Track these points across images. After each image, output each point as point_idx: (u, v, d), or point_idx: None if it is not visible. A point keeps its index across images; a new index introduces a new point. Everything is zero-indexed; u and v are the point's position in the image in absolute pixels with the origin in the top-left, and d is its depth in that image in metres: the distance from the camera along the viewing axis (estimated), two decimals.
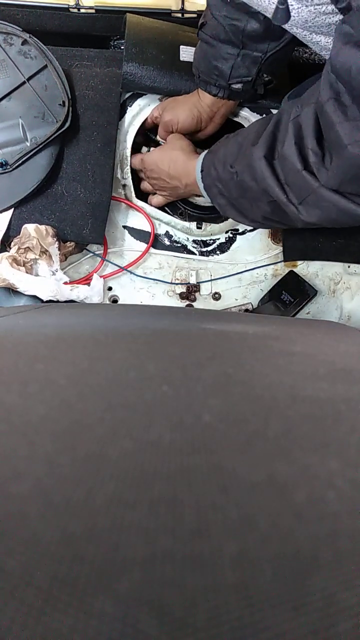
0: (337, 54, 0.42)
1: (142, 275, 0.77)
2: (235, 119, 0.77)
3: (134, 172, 0.78)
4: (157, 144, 0.79)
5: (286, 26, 0.55)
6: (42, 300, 0.69)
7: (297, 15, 0.50)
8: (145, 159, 0.74)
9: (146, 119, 0.77)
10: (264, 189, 0.56)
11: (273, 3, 0.50)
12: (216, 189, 0.64)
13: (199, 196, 0.79)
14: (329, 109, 0.45)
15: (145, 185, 0.78)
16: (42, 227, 0.69)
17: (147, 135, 0.80)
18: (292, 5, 0.48)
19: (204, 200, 0.79)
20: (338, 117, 0.44)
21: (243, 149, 0.58)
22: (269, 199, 0.56)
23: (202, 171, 0.66)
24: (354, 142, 0.43)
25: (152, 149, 0.78)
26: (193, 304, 0.78)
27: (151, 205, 0.78)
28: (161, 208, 0.80)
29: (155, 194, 0.78)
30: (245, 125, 0.78)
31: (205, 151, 0.67)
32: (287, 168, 0.52)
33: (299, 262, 0.79)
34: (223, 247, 0.80)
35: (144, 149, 0.78)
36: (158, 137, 0.78)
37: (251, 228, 0.79)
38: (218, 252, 0.79)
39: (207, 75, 0.66)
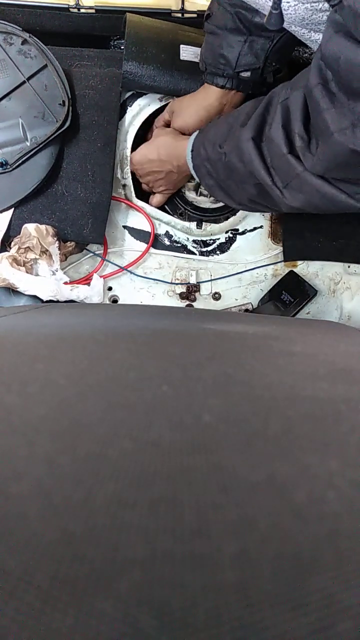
0: (328, 41, 0.42)
1: (142, 275, 0.77)
2: None
3: (134, 172, 0.78)
4: None
5: (285, 25, 0.55)
6: (42, 300, 0.69)
7: (293, 13, 0.50)
8: (133, 158, 0.74)
9: (153, 123, 0.77)
10: (250, 171, 0.55)
11: (269, 2, 0.50)
12: (205, 169, 0.64)
13: (200, 195, 0.79)
14: (317, 95, 0.44)
15: (143, 186, 0.78)
16: (42, 227, 0.69)
17: None
18: (288, 2, 0.48)
19: (204, 200, 0.79)
20: (325, 103, 0.44)
21: (233, 129, 0.58)
22: (255, 182, 0.56)
23: (192, 151, 0.66)
24: (340, 129, 0.43)
25: None
26: (193, 304, 0.78)
27: (151, 205, 0.78)
28: (161, 208, 0.80)
29: (153, 193, 0.78)
30: None
31: (197, 131, 0.66)
32: (273, 151, 0.52)
33: (299, 262, 0.79)
34: (223, 247, 0.80)
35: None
36: None
37: (251, 228, 0.79)
38: (218, 252, 0.79)
39: (214, 66, 0.66)
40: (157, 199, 0.77)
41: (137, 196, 0.78)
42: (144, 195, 0.80)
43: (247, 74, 0.65)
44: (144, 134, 0.79)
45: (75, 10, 0.77)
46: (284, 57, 0.66)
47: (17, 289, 0.67)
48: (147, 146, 0.73)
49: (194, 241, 0.79)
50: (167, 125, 0.76)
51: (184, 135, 0.70)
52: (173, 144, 0.69)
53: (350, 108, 0.42)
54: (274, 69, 0.66)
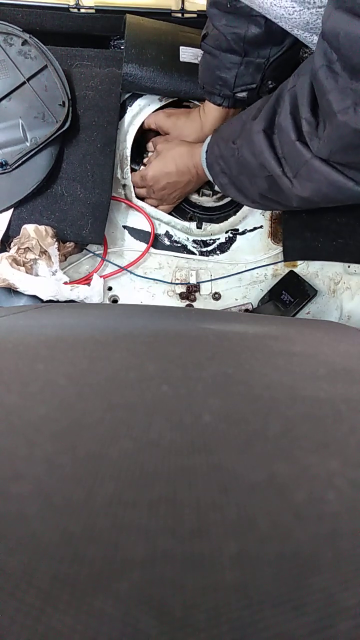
0: (327, 18, 0.41)
1: (142, 275, 0.77)
2: None
3: (134, 172, 0.78)
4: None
5: (287, 28, 0.55)
6: (42, 300, 0.69)
7: (298, 17, 0.50)
8: (147, 174, 0.74)
9: (142, 124, 0.77)
10: (261, 162, 0.56)
11: (274, 5, 0.49)
12: (218, 167, 0.64)
13: (202, 195, 0.79)
14: (321, 76, 0.44)
15: (151, 201, 0.78)
16: (42, 228, 0.69)
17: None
18: (294, 7, 0.48)
19: (207, 200, 0.79)
20: (330, 84, 0.44)
21: (245, 124, 0.58)
22: (266, 174, 0.56)
23: (206, 151, 0.66)
24: (343, 109, 0.43)
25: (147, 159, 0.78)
26: (193, 304, 0.78)
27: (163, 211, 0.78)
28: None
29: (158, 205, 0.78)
30: None
31: (211, 134, 0.67)
32: (283, 139, 0.52)
33: (299, 262, 0.79)
34: (223, 247, 0.80)
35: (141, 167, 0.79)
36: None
37: (251, 228, 0.79)
38: (218, 252, 0.79)
39: (211, 86, 0.66)
40: (165, 208, 0.78)
41: (137, 196, 0.78)
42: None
43: (243, 94, 0.66)
44: (143, 134, 0.79)
45: (75, 10, 0.77)
46: (281, 76, 0.67)
47: (17, 289, 0.67)
48: (162, 160, 0.72)
49: (194, 241, 0.79)
50: (153, 129, 0.76)
51: (195, 144, 0.71)
52: (189, 152, 0.70)
53: (353, 87, 0.42)
54: (269, 89, 0.67)
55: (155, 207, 0.78)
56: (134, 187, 0.78)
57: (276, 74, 0.65)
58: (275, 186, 0.57)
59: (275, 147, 0.54)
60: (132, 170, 0.78)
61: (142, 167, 0.78)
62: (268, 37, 0.60)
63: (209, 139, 0.67)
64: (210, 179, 0.68)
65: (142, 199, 0.79)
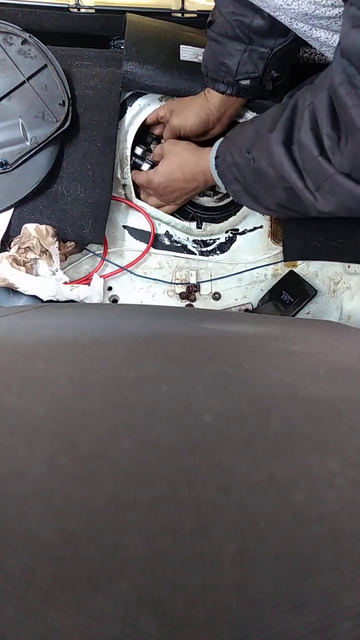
0: (346, 36, 0.42)
1: (142, 275, 0.77)
2: (236, 119, 0.77)
3: (138, 171, 0.78)
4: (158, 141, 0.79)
5: (287, 21, 0.55)
6: (42, 300, 0.69)
7: (297, 8, 0.50)
8: (153, 179, 0.73)
9: (146, 119, 0.77)
10: (280, 175, 0.55)
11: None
12: (231, 175, 0.64)
13: (203, 195, 0.79)
14: (342, 93, 0.44)
15: (154, 202, 0.77)
16: (42, 227, 0.69)
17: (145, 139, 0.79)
18: None
19: (207, 200, 0.79)
20: (352, 100, 0.44)
21: (260, 134, 0.58)
22: (285, 186, 0.56)
23: (216, 157, 0.65)
24: None
25: (149, 160, 0.78)
26: (193, 303, 0.78)
27: (165, 212, 0.78)
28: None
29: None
30: None
31: (221, 139, 0.67)
32: (305, 155, 0.52)
33: (299, 262, 0.79)
34: (223, 247, 0.80)
35: (145, 165, 0.78)
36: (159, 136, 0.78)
37: (251, 228, 0.79)
38: (218, 252, 0.79)
39: (215, 72, 0.66)
40: (170, 207, 0.77)
41: (137, 196, 0.78)
42: None
43: (246, 82, 0.66)
44: (143, 134, 0.79)
45: (75, 10, 0.77)
46: (284, 67, 0.67)
47: (17, 289, 0.67)
48: (168, 165, 0.72)
49: (194, 241, 0.79)
50: (160, 122, 0.75)
51: (201, 148, 0.70)
52: (195, 160, 0.69)
53: None
54: (273, 78, 0.67)
55: (158, 208, 0.78)
56: (134, 186, 0.77)
57: (280, 65, 0.65)
58: (294, 197, 0.57)
59: (296, 159, 0.53)
60: (133, 167, 0.78)
61: (144, 164, 0.78)
62: (272, 29, 0.60)
63: (217, 145, 0.66)
64: (221, 185, 0.68)
65: (145, 199, 0.78)
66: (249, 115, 0.76)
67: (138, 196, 0.78)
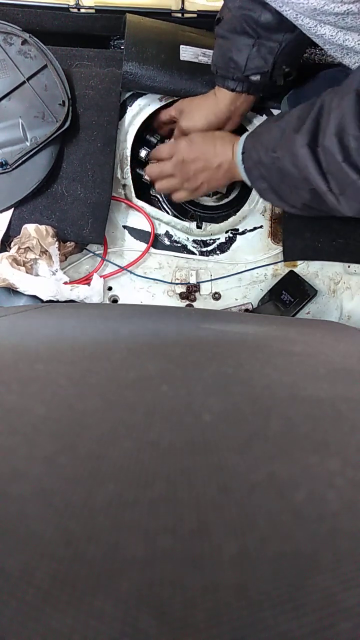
0: None
1: (142, 275, 0.77)
2: (247, 128, 0.77)
3: (134, 172, 0.78)
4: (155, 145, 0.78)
5: (292, 17, 0.55)
6: (42, 300, 0.69)
7: (306, 2, 0.49)
8: (183, 142, 0.69)
9: (156, 117, 0.76)
10: (304, 177, 0.55)
11: None
12: (257, 172, 0.63)
13: (206, 195, 0.78)
14: None
15: (168, 183, 0.72)
16: (42, 227, 0.69)
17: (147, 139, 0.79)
18: None
19: (207, 199, 0.79)
20: None
21: (285, 134, 0.57)
22: (310, 187, 0.56)
23: (243, 153, 0.65)
24: None
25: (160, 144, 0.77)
26: (193, 303, 0.78)
27: (175, 200, 0.74)
28: (161, 208, 0.80)
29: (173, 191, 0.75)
30: (247, 126, 0.78)
31: (246, 133, 0.66)
32: (329, 159, 0.52)
33: (299, 262, 0.79)
34: (223, 247, 0.80)
35: (142, 152, 0.77)
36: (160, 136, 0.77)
37: (251, 228, 0.79)
38: (218, 252, 0.79)
39: (224, 69, 0.66)
40: (180, 194, 0.73)
41: (137, 196, 0.78)
42: (143, 195, 0.80)
43: (256, 77, 0.65)
44: (143, 134, 0.79)
45: (75, 10, 0.77)
46: (294, 61, 0.67)
47: (17, 289, 0.67)
48: (205, 134, 0.69)
49: (194, 241, 0.79)
50: (172, 121, 0.75)
51: (234, 135, 0.69)
52: (231, 140, 0.67)
53: None
54: (284, 73, 0.66)
55: (172, 192, 0.73)
56: (134, 186, 0.77)
57: (290, 59, 0.65)
58: (318, 199, 0.56)
59: (321, 162, 0.53)
60: (133, 170, 0.78)
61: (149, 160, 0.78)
62: (280, 24, 0.60)
63: (243, 140, 0.65)
64: (247, 181, 0.66)
65: (154, 180, 0.74)
66: (256, 121, 0.76)
67: (138, 196, 0.78)
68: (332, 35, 0.55)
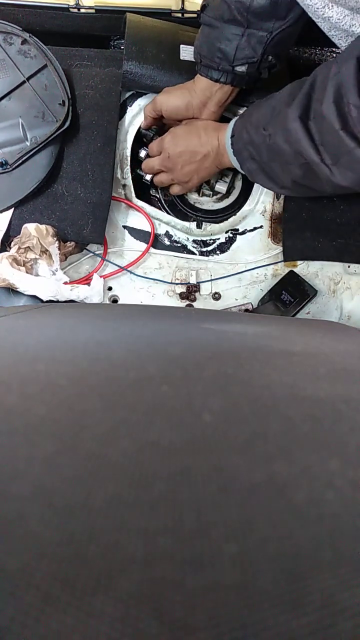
0: None
1: (142, 275, 0.77)
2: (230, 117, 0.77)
3: (134, 172, 0.78)
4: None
5: None
6: (42, 300, 0.69)
7: None
8: (168, 136, 0.71)
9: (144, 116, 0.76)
10: (296, 150, 0.55)
11: None
12: (247, 153, 0.63)
13: (202, 195, 0.78)
14: None
15: (162, 177, 0.74)
16: (43, 227, 0.69)
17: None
18: None
19: (206, 201, 0.79)
20: None
21: (276, 111, 0.57)
22: (301, 162, 0.56)
23: (232, 137, 0.65)
24: None
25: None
26: (193, 304, 0.78)
27: (172, 193, 0.76)
28: (161, 208, 0.80)
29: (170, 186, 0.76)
30: None
31: (235, 117, 0.66)
32: (324, 128, 0.51)
33: (299, 262, 0.79)
34: (223, 247, 0.80)
35: (142, 152, 0.77)
36: (143, 130, 0.76)
37: (251, 228, 0.79)
38: (218, 252, 0.79)
39: (209, 59, 0.65)
40: (179, 188, 0.75)
41: (137, 196, 0.78)
42: (143, 195, 0.80)
43: (243, 68, 0.64)
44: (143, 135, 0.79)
45: (75, 10, 0.77)
46: (282, 52, 0.66)
47: (17, 289, 0.67)
48: (189, 126, 0.70)
49: (194, 241, 0.79)
50: (159, 117, 0.74)
51: (220, 124, 0.70)
52: (215, 128, 0.68)
53: None
54: (270, 65, 0.66)
55: (168, 187, 0.75)
56: (134, 186, 0.77)
57: (277, 50, 0.64)
58: (310, 173, 0.56)
59: (312, 134, 0.53)
60: (132, 170, 0.78)
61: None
62: (273, 10, 0.59)
63: (232, 123, 0.65)
64: (236, 165, 0.66)
65: (152, 175, 0.76)
66: (242, 111, 0.76)
67: (138, 196, 0.78)
68: (339, 19, 0.54)
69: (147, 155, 0.76)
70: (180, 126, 0.72)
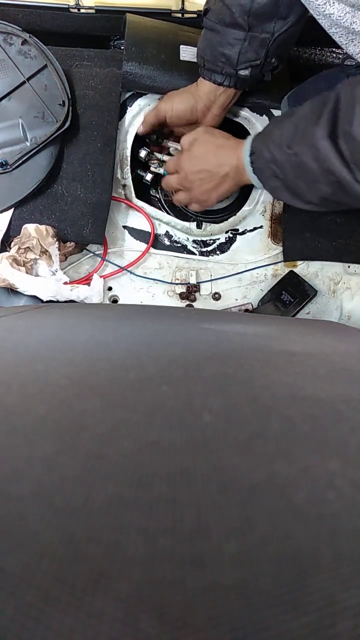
0: None
1: (142, 275, 0.77)
2: (236, 119, 0.77)
3: (134, 172, 0.78)
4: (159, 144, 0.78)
5: None
6: (42, 301, 0.69)
7: None
8: (184, 155, 0.70)
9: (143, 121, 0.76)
10: (326, 169, 0.55)
11: None
12: (270, 171, 0.62)
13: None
14: None
15: (181, 197, 0.73)
16: (42, 227, 0.69)
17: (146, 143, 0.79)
18: None
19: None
20: None
21: (300, 129, 0.57)
22: (332, 180, 0.55)
23: (251, 155, 0.64)
24: None
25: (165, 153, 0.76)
26: (193, 304, 0.78)
27: (175, 202, 0.75)
28: (161, 208, 0.80)
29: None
30: (246, 125, 0.78)
31: (251, 135, 0.65)
32: (355, 148, 0.51)
33: (299, 262, 0.79)
34: (223, 247, 0.80)
35: (142, 152, 0.77)
36: (140, 132, 0.76)
37: (251, 228, 0.79)
38: (218, 252, 0.79)
39: (213, 63, 0.65)
40: (194, 207, 0.74)
41: (137, 196, 0.78)
42: (143, 196, 0.80)
43: (246, 72, 0.65)
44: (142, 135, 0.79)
45: (75, 10, 0.77)
46: (284, 53, 0.66)
47: (17, 289, 0.67)
48: (204, 145, 0.69)
49: (194, 241, 0.79)
50: (162, 122, 0.74)
51: (235, 138, 0.69)
52: (232, 146, 0.67)
53: None
54: (272, 67, 0.66)
55: (186, 205, 0.75)
56: (134, 186, 0.77)
57: (279, 52, 0.64)
58: (340, 191, 0.56)
59: (343, 152, 0.53)
60: (132, 171, 0.78)
61: (147, 175, 0.77)
62: (274, 10, 0.59)
63: (249, 141, 0.65)
64: (257, 183, 0.65)
65: (171, 191, 0.76)
66: (245, 113, 0.76)
67: (138, 196, 0.78)
68: (340, 16, 0.54)
69: (148, 155, 0.76)
70: (198, 144, 0.69)
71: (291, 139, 0.58)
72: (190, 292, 0.78)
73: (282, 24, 0.60)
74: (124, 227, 0.78)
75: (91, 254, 0.76)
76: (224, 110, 0.72)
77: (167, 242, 0.79)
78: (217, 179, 0.68)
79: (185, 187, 0.71)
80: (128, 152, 0.76)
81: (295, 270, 0.78)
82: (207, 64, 0.66)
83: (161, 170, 0.76)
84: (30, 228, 0.68)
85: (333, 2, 0.53)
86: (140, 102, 0.76)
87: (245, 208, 0.79)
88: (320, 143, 0.54)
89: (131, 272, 0.77)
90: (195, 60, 0.72)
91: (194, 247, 0.79)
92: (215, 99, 0.69)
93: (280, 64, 0.66)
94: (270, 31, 0.61)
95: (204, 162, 0.68)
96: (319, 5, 0.54)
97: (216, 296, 0.78)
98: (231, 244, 0.80)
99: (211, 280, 0.78)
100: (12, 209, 0.69)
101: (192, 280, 0.78)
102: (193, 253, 0.79)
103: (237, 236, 0.80)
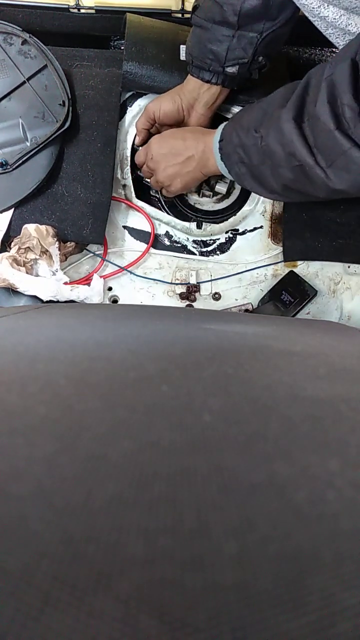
0: None
1: (142, 275, 0.77)
2: (228, 116, 0.77)
3: (134, 172, 0.78)
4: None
5: None
6: (42, 301, 0.69)
7: None
8: (154, 138, 0.71)
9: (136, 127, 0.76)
10: (290, 152, 0.54)
11: None
12: (236, 156, 0.62)
13: (202, 196, 0.78)
14: None
15: (150, 178, 0.75)
16: (43, 227, 0.69)
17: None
18: None
19: (207, 201, 0.79)
20: None
21: (269, 113, 0.57)
22: (294, 164, 0.55)
23: (221, 141, 0.64)
24: None
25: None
26: (193, 304, 0.78)
27: (166, 195, 0.76)
28: (161, 208, 0.80)
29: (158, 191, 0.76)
30: None
31: (225, 122, 0.66)
32: (318, 129, 0.51)
33: (299, 262, 0.79)
34: (223, 247, 0.80)
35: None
36: (137, 141, 0.77)
37: (251, 228, 0.79)
38: (218, 252, 0.79)
39: (200, 60, 0.65)
40: (165, 192, 0.76)
41: (137, 196, 0.78)
42: (143, 195, 0.80)
43: (234, 69, 0.64)
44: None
45: (75, 10, 0.77)
46: (272, 52, 0.66)
47: (17, 289, 0.67)
48: (175, 130, 0.71)
49: (194, 241, 0.79)
50: (153, 126, 0.74)
51: (206, 129, 0.70)
52: (203, 131, 0.68)
53: None
54: (260, 65, 0.66)
55: (156, 188, 0.75)
56: (134, 186, 0.77)
57: (268, 51, 0.64)
58: (302, 177, 0.55)
59: (307, 136, 0.52)
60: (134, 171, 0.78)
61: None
62: (264, 11, 0.59)
63: (221, 128, 0.65)
64: (223, 170, 0.66)
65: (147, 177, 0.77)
66: (237, 110, 0.76)
67: (138, 196, 0.78)
68: (335, 18, 0.54)
69: None
70: (169, 130, 0.72)
71: (259, 123, 0.58)
72: (190, 292, 0.78)
73: (271, 25, 0.60)
74: (124, 227, 0.78)
75: (91, 254, 0.76)
76: (209, 110, 0.71)
77: (167, 242, 0.79)
78: (180, 161, 0.69)
79: (151, 168, 0.72)
80: (128, 152, 0.76)
81: (295, 270, 0.78)
82: (195, 60, 0.66)
83: None
84: (30, 228, 0.68)
85: (327, 5, 0.53)
86: (140, 102, 0.76)
87: (245, 208, 0.79)
88: (285, 126, 0.53)
89: (131, 272, 0.77)
90: None
91: (194, 247, 0.79)
92: (198, 96, 0.69)
93: (268, 63, 0.66)
94: (259, 30, 0.61)
95: (171, 145, 0.69)
96: (313, 8, 0.54)
97: (216, 296, 0.78)
98: (231, 244, 0.80)
99: (211, 280, 0.78)
100: (12, 209, 0.69)
101: (192, 281, 0.78)
102: (193, 253, 0.79)
103: (237, 236, 0.80)
